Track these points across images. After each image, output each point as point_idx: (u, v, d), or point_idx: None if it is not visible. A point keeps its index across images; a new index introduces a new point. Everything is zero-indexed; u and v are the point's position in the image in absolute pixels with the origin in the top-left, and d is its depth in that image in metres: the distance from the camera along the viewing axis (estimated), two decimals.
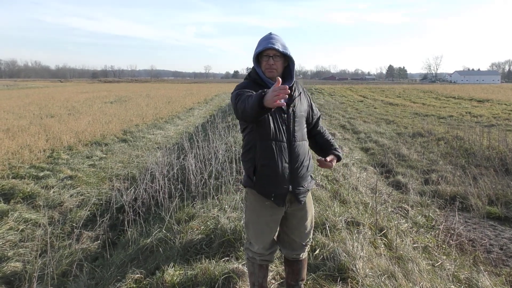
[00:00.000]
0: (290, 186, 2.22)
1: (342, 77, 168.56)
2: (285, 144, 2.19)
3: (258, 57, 2.24)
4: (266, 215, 2.30)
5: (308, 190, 2.35)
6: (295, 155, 2.22)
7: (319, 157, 2.38)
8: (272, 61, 2.17)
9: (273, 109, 1.97)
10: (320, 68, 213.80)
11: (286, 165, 2.19)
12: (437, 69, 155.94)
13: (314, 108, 2.48)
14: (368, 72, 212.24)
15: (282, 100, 1.77)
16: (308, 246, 2.52)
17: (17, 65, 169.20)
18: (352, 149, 9.26)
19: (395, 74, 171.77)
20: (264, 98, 1.79)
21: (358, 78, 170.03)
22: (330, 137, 2.54)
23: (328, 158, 2.35)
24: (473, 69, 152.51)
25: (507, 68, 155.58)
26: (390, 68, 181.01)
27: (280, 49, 2.15)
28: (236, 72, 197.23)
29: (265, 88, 2.18)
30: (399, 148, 8.82)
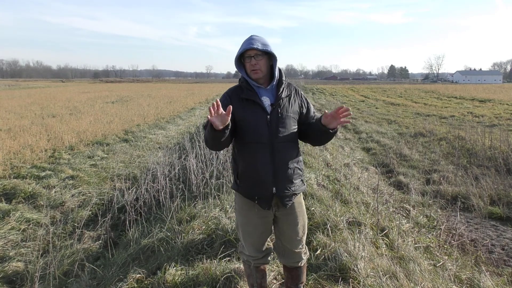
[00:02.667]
0: (274, 189, 2.18)
1: (343, 77, 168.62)
2: (267, 145, 2.15)
3: (241, 60, 2.24)
4: (253, 218, 2.28)
5: (295, 194, 2.28)
6: (279, 157, 2.17)
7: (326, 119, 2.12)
8: (254, 61, 2.15)
9: (243, 119, 2.14)
10: (321, 68, 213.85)
11: (268, 166, 2.16)
12: (438, 69, 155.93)
13: (311, 110, 2.36)
14: (370, 72, 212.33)
15: (216, 119, 1.93)
16: (307, 254, 2.46)
17: (18, 65, 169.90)
18: (353, 149, 9.25)
19: (396, 74, 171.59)
20: (212, 125, 1.95)
21: (359, 78, 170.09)
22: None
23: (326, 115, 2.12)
24: (474, 69, 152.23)
25: (509, 68, 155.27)
26: (392, 68, 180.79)
27: (260, 48, 2.13)
28: (237, 72, 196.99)
29: (248, 90, 2.21)
30: (401, 148, 8.81)
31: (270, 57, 2.23)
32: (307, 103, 2.38)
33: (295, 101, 2.30)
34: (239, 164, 2.22)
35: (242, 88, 2.24)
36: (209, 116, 1.90)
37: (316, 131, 2.22)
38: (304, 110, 2.34)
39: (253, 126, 2.15)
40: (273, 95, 2.23)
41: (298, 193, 2.32)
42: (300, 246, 2.38)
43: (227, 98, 2.23)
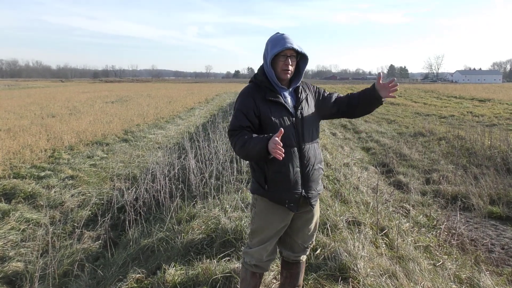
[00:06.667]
0: (303, 191, 2.18)
1: (343, 77, 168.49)
2: (295, 148, 2.13)
3: (272, 58, 2.17)
4: (276, 222, 2.23)
5: (319, 194, 2.31)
6: (306, 159, 2.17)
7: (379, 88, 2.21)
8: (289, 61, 2.12)
9: (275, 118, 2.11)
10: (321, 68, 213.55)
11: (298, 169, 2.14)
12: (438, 69, 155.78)
13: (326, 94, 2.38)
14: (369, 72, 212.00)
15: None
16: (310, 248, 2.47)
17: (18, 65, 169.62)
18: (353, 149, 9.25)
19: (396, 74, 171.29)
20: (268, 145, 1.90)
21: (359, 77, 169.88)
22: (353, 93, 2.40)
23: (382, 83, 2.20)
24: (474, 69, 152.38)
25: (508, 67, 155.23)
26: (391, 67, 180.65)
27: (299, 49, 2.12)
28: (237, 72, 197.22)
29: (271, 91, 2.15)
30: (400, 148, 8.81)
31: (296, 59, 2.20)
32: (318, 89, 2.39)
33: (312, 99, 2.31)
34: (266, 168, 2.14)
35: (262, 88, 2.17)
36: (277, 151, 1.86)
37: (367, 102, 2.29)
38: (321, 97, 2.36)
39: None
40: (293, 97, 2.23)
41: (320, 193, 2.35)
42: (310, 242, 2.43)
43: (251, 101, 2.14)
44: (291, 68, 2.14)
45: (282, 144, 1.88)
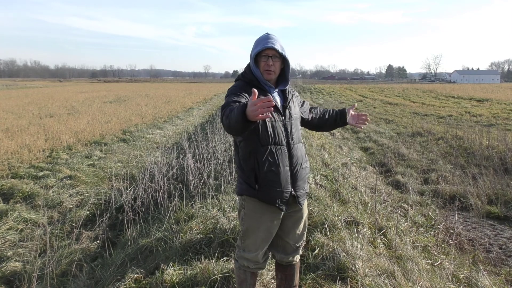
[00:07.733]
0: (292, 190, 2.20)
1: (341, 77, 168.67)
2: (285, 147, 2.16)
3: (256, 57, 2.19)
4: (267, 221, 2.23)
5: (307, 192, 2.35)
6: (294, 158, 2.20)
7: (350, 118, 2.51)
8: (271, 61, 2.13)
9: (259, 121, 2.07)
10: (319, 68, 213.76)
11: (288, 168, 2.17)
12: (436, 69, 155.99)
13: (305, 105, 2.51)
14: (368, 72, 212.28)
15: (269, 113, 1.64)
16: (302, 248, 2.47)
17: (16, 65, 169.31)
18: (351, 149, 9.27)
19: (394, 74, 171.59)
20: (246, 112, 1.68)
21: (357, 77, 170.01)
22: (323, 110, 2.60)
23: (352, 111, 2.53)
24: (472, 69, 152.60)
25: (506, 67, 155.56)
26: (390, 67, 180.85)
27: (280, 50, 2.13)
28: (235, 72, 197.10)
29: (261, 90, 2.17)
30: (399, 148, 8.82)
31: (282, 61, 2.22)
32: (299, 96, 2.51)
33: (296, 101, 2.37)
34: (258, 168, 2.12)
35: (251, 87, 2.14)
36: (260, 111, 1.60)
37: (332, 123, 2.55)
38: (301, 104, 2.47)
39: (271, 129, 2.12)
40: (281, 96, 2.27)
41: (307, 192, 2.38)
42: (302, 241, 2.43)
43: (245, 97, 2.11)
44: (273, 68, 2.15)
45: (273, 103, 1.61)
